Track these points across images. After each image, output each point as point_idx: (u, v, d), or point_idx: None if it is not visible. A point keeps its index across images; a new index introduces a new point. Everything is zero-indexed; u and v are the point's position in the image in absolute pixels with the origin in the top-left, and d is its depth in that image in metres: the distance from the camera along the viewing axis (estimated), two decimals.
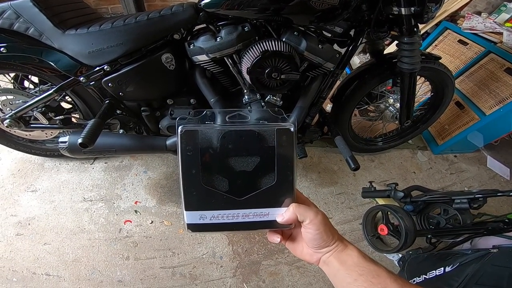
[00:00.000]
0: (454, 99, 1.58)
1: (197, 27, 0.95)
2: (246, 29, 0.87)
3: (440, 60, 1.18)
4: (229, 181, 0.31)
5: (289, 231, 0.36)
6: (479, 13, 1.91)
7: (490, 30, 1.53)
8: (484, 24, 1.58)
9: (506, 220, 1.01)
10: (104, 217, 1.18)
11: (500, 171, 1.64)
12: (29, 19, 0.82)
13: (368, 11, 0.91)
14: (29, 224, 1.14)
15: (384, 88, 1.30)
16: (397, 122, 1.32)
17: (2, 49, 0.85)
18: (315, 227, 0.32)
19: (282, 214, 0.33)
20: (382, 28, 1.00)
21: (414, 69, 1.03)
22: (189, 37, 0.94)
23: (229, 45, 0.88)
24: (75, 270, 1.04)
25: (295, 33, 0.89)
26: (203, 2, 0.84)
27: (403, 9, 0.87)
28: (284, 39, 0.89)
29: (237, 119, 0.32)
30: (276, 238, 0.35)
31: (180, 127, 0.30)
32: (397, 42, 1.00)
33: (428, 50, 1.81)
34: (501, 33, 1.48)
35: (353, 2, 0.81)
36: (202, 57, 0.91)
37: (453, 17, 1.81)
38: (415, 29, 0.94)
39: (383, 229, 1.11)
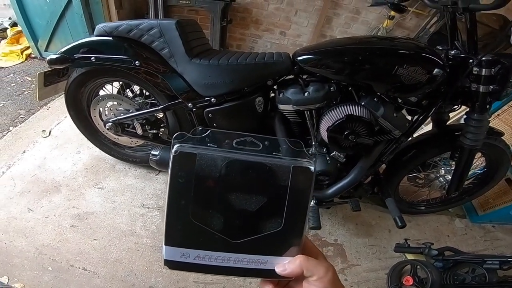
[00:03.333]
0: (506, 175, 1.50)
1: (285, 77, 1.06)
2: (332, 89, 0.97)
3: (503, 137, 1.16)
4: (224, 220, 0.27)
5: (285, 281, 0.30)
6: None
7: None
8: None
9: None
10: (156, 225, 1.25)
11: None
12: (168, 41, 0.93)
13: (445, 85, 0.93)
14: (86, 218, 1.23)
15: (438, 159, 1.31)
16: (444, 192, 1.32)
17: (137, 62, 0.98)
18: (322, 285, 0.27)
19: (285, 265, 0.27)
20: (455, 101, 1.00)
21: (476, 146, 1.02)
22: (276, 85, 1.05)
23: (315, 101, 0.97)
24: (112, 270, 1.08)
25: (375, 99, 0.96)
26: (301, 57, 0.93)
27: (481, 87, 0.87)
28: (363, 103, 0.96)
29: (247, 147, 0.27)
30: None
31: (175, 147, 0.25)
32: (466, 116, 1.00)
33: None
34: None
35: (439, 79, 0.85)
36: (288, 107, 1.00)
37: None
38: (487, 107, 0.93)
39: (408, 280, 1.15)
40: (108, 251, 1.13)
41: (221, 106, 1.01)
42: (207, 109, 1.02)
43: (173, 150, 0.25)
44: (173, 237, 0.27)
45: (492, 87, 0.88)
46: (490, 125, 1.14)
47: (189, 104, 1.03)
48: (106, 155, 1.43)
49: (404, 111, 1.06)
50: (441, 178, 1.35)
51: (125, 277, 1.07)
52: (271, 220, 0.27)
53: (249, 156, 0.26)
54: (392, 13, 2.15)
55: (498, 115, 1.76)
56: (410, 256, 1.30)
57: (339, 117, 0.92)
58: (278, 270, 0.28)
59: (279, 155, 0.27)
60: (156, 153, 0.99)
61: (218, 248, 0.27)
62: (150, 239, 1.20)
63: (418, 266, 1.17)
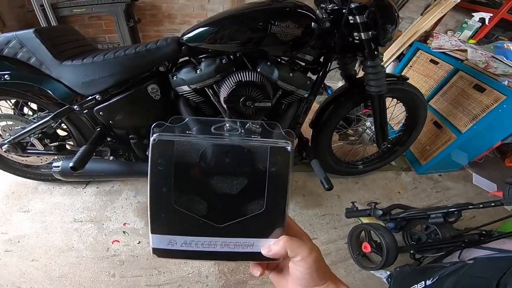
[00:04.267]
0: (432, 119, 1.63)
1: (181, 60, 1.04)
2: (223, 61, 0.96)
3: (415, 83, 1.26)
4: (208, 204, 0.27)
5: (274, 263, 0.31)
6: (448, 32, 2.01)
7: (456, 48, 1.57)
8: (451, 43, 1.63)
9: (483, 232, 1.03)
10: (93, 237, 1.21)
11: (487, 187, 1.66)
12: (31, 49, 0.90)
13: (332, 38, 1.00)
14: (18, 241, 1.18)
15: (360, 112, 1.36)
16: (375, 144, 1.38)
17: (6, 76, 0.92)
18: (307, 266, 0.27)
19: (269, 247, 0.28)
20: (348, 54, 1.07)
21: (381, 91, 1.09)
22: (173, 69, 1.03)
23: (208, 76, 0.96)
24: (60, 286, 1.06)
25: (268, 63, 0.98)
26: (184, 37, 0.94)
27: (362, 34, 0.95)
28: (259, 70, 0.97)
29: (225, 131, 0.28)
30: (256, 271, 0.30)
31: (154, 135, 0.26)
32: (362, 66, 1.07)
33: (404, 72, 1.89)
34: (465, 51, 1.52)
35: (316, 31, 0.90)
36: (185, 88, 1.00)
37: (426, 38, 1.86)
38: (375, 53, 1.01)
39: (366, 247, 1.14)
40: (51, 269, 1.10)
41: (109, 102, 0.96)
42: (96, 108, 0.97)
43: (151, 139, 0.25)
44: (158, 225, 0.27)
45: (370, 32, 0.95)
46: (406, 75, 1.23)
47: (76, 107, 0.97)
48: (25, 179, 1.35)
49: (310, 74, 1.08)
50: (368, 130, 1.41)
51: None
52: (254, 202, 0.27)
53: (226, 140, 0.27)
54: None
55: (411, 66, 1.88)
56: (364, 220, 1.29)
57: (230, 86, 0.93)
58: (264, 251, 0.28)
59: (257, 137, 0.27)
60: (58, 164, 0.95)
61: (204, 233, 0.27)
62: (90, 251, 1.17)
63: (370, 231, 1.13)
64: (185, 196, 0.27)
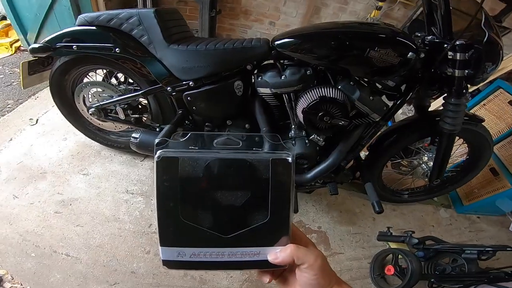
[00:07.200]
0: (490, 164, 1.53)
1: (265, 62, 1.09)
2: (308, 72, 0.99)
3: (484, 123, 1.18)
4: (213, 217, 0.28)
5: (279, 270, 0.32)
6: None
7: None
8: None
9: (510, 272, 1.04)
10: (139, 211, 1.27)
11: None
12: (147, 28, 0.97)
13: (422, 69, 0.96)
14: (70, 204, 1.25)
15: (421, 145, 1.32)
16: (426, 179, 1.34)
17: (117, 49, 1.01)
18: (313, 272, 0.28)
19: (276, 253, 0.29)
20: (433, 86, 1.02)
21: (454, 131, 1.04)
22: (256, 69, 1.08)
23: (291, 84, 1.00)
24: (95, 255, 1.10)
25: (351, 83, 0.99)
26: (277, 42, 0.96)
27: (457, 71, 0.89)
28: (339, 87, 0.99)
29: (227, 145, 0.28)
30: (265, 279, 0.31)
31: (158, 153, 0.27)
32: (444, 101, 1.02)
33: (475, 109, 1.78)
34: None
35: (412, 62, 0.88)
36: (266, 90, 1.04)
37: (510, 75, 1.72)
38: (464, 91, 0.94)
39: (390, 270, 1.16)
40: (91, 237, 1.15)
41: (199, 90, 1.03)
42: (186, 93, 1.05)
43: (155, 156, 0.26)
44: (167, 238, 0.28)
45: (467, 71, 0.90)
46: (476, 113, 1.17)
47: (168, 88, 1.05)
48: (92, 141, 1.45)
49: (384, 98, 1.07)
50: (423, 165, 1.36)
51: (107, 263, 1.09)
52: (258, 212, 0.28)
53: (229, 154, 0.27)
54: (380, 3, 2.17)
55: (484, 104, 1.76)
56: (393, 245, 1.31)
57: (313, 99, 0.95)
58: (271, 258, 0.29)
59: (259, 150, 0.28)
60: (137, 135, 1.02)
61: (211, 244, 0.28)
62: (133, 224, 1.22)
63: (399, 255, 1.17)
64: (191, 209, 0.27)
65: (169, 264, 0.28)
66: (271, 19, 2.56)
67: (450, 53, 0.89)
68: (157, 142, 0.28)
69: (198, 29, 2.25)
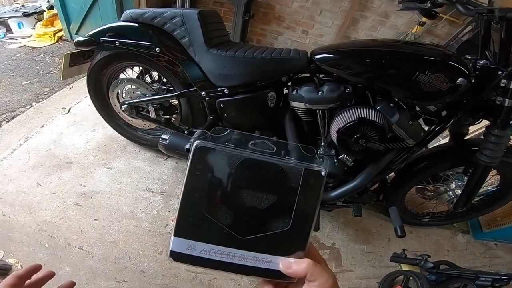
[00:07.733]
0: None
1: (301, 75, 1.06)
2: (347, 90, 0.95)
3: None
4: (234, 215, 0.28)
5: (284, 283, 0.30)
6: None
7: None
8: None
9: None
10: (157, 210, 1.27)
11: None
12: (189, 29, 0.97)
13: (468, 95, 0.89)
14: (91, 197, 1.26)
15: (450, 172, 1.26)
16: (451, 206, 1.28)
17: (157, 48, 1.01)
18: None
19: (291, 264, 0.28)
20: (476, 114, 0.95)
21: (492, 164, 0.97)
22: (290, 81, 1.05)
23: (328, 102, 0.96)
24: (107, 251, 1.10)
25: (391, 104, 0.93)
26: (318, 56, 0.93)
27: (507, 100, 0.82)
28: (378, 108, 0.94)
29: (262, 148, 0.28)
30: None
31: (196, 142, 0.27)
32: (486, 131, 0.95)
33: None
34: None
35: (462, 89, 0.82)
36: (300, 105, 1.00)
37: None
38: (510, 122, 0.88)
39: None
40: (107, 232, 1.16)
41: (233, 97, 1.03)
42: (219, 99, 1.04)
43: (194, 144, 0.27)
44: (183, 229, 0.27)
45: None
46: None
47: (203, 93, 1.05)
48: (119, 135, 1.48)
49: (421, 121, 1.02)
50: (450, 192, 1.30)
51: (118, 259, 1.08)
52: (279, 219, 0.28)
53: (263, 157, 0.28)
54: (424, 19, 2.06)
55: None
56: (405, 267, 1.30)
57: (351, 119, 0.91)
58: (283, 267, 0.28)
59: (292, 158, 0.28)
60: (166, 137, 1.02)
61: (225, 243, 0.28)
62: (150, 223, 1.22)
63: (410, 277, 1.15)
64: (214, 203, 0.27)
65: (177, 256, 0.28)
66: (305, 27, 2.53)
67: (503, 80, 0.83)
68: (197, 133, 0.31)
69: (230, 32, 2.26)
